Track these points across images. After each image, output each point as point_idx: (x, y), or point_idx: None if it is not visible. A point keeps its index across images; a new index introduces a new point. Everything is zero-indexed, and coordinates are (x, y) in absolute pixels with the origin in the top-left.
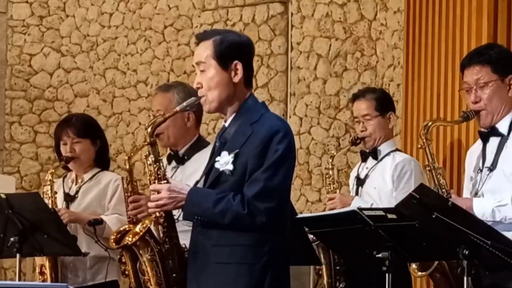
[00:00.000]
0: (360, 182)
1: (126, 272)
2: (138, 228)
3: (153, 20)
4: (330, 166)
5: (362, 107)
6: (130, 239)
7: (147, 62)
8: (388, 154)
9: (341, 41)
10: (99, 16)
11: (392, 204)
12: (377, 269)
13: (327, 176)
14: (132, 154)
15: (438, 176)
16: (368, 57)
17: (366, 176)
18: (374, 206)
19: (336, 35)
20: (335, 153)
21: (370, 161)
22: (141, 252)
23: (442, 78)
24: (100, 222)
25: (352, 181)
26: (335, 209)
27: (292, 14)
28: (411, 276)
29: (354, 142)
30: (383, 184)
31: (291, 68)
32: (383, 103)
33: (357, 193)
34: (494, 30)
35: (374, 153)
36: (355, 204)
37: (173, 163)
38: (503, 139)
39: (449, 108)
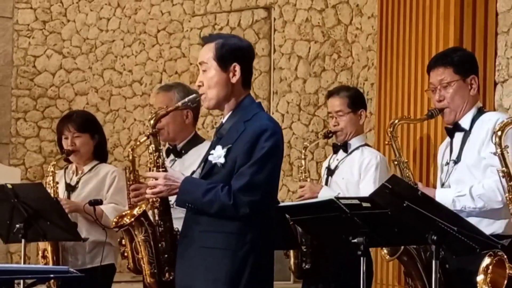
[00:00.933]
0: (330, 172)
1: (125, 254)
2: (135, 211)
3: (147, 24)
4: (303, 156)
5: (335, 103)
6: (127, 220)
7: (142, 63)
8: (357, 148)
9: (319, 44)
10: (98, 21)
11: (357, 193)
12: (344, 252)
13: (299, 165)
14: (135, 145)
15: (405, 169)
16: (344, 58)
17: (336, 167)
18: (341, 195)
19: (315, 38)
20: (308, 145)
21: (341, 154)
22: (136, 232)
23: (413, 78)
24: (100, 202)
25: (323, 171)
26: (305, 196)
27: (274, 19)
28: (372, 260)
29: (326, 135)
30: (350, 176)
31: (274, 68)
32: (356, 101)
33: (327, 183)
34: (460, 35)
35: (344, 147)
36: (323, 193)
37: (171, 156)
38: (466, 134)
39: (419, 106)
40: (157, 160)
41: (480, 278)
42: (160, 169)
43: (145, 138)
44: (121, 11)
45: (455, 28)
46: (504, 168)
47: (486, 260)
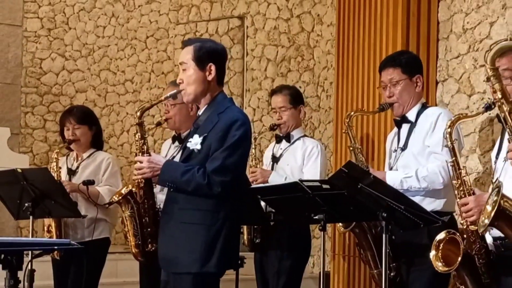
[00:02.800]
0: (276, 159)
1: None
2: (123, 190)
3: (137, 31)
4: (253, 146)
5: (278, 100)
6: (115, 198)
7: (133, 64)
8: (298, 138)
9: (286, 48)
10: (95, 29)
11: (301, 177)
12: (289, 228)
13: (250, 154)
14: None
15: (359, 154)
16: (307, 61)
17: (281, 155)
18: (287, 179)
19: (282, 43)
20: (257, 136)
21: (284, 143)
22: (123, 208)
23: (366, 77)
24: (92, 182)
25: (267, 158)
26: (257, 180)
27: (247, 27)
28: (310, 236)
29: (272, 128)
30: (294, 162)
31: (247, 69)
32: (296, 98)
33: (272, 168)
34: (406, 40)
35: (287, 137)
36: (272, 177)
37: (177, 143)
38: (412, 125)
39: (371, 101)
40: (142, 147)
41: (432, 253)
42: (145, 154)
43: (156, 126)
44: (115, 20)
45: (402, 34)
46: (453, 158)
47: (441, 235)
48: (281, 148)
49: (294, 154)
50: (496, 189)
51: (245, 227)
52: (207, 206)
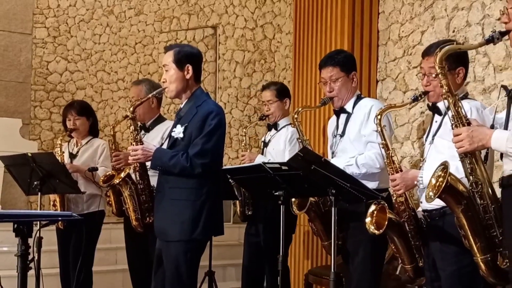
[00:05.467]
0: (265, 145)
1: (110, 203)
2: (122, 174)
3: (128, 39)
4: (244, 134)
5: (267, 94)
6: (116, 181)
7: (124, 66)
8: (284, 126)
9: (251, 53)
10: (93, 36)
11: (283, 159)
12: (272, 202)
13: (241, 141)
14: (115, 125)
15: (307, 145)
16: (269, 63)
17: (269, 141)
18: (272, 161)
19: (248, 48)
20: (248, 125)
21: (273, 131)
22: (123, 189)
23: (318, 77)
24: (96, 169)
25: (261, 144)
26: (246, 162)
27: (219, 35)
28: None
29: (261, 118)
30: (278, 146)
31: (219, 70)
32: (282, 92)
33: (262, 152)
34: (352, 46)
35: (275, 126)
36: (258, 159)
37: (142, 132)
38: (349, 115)
39: (322, 96)
40: (136, 137)
41: (368, 220)
42: (139, 143)
43: (123, 119)
44: (109, 29)
45: (348, 41)
46: (383, 141)
47: (372, 207)
48: (270, 135)
49: (278, 140)
50: (442, 166)
51: (238, 201)
52: (192, 185)
